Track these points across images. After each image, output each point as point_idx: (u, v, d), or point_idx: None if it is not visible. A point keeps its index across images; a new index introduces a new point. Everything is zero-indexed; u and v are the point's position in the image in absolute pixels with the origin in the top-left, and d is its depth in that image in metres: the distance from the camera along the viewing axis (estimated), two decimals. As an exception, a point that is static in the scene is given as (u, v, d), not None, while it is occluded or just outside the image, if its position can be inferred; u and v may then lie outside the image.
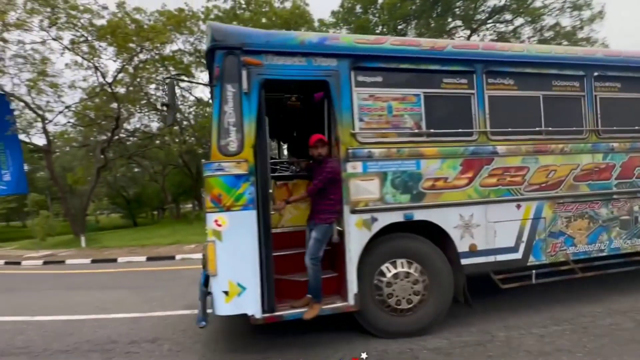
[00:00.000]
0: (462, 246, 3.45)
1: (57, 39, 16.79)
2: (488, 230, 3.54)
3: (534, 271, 3.73)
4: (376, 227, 3.20)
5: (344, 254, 3.16)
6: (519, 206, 3.63)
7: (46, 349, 3.53)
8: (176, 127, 17.43)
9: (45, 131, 15.02)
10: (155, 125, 19.48)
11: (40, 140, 16.74)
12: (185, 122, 19.82)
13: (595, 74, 3.93)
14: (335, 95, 3.14)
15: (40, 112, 15.03)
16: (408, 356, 3.03)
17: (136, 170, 26.34)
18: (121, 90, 16.42)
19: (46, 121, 14.96)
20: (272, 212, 3.15)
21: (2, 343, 3.74)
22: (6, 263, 10.18)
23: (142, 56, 18.18)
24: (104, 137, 16.55)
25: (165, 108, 3.26)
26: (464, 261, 3.46)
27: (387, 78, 3.33)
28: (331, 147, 3.34)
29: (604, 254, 3.97)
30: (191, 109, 20.82)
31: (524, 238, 3.64)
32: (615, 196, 3.97)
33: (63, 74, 19.28)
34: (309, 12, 19.71)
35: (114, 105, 15.85)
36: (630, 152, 4.01)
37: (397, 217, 3.27)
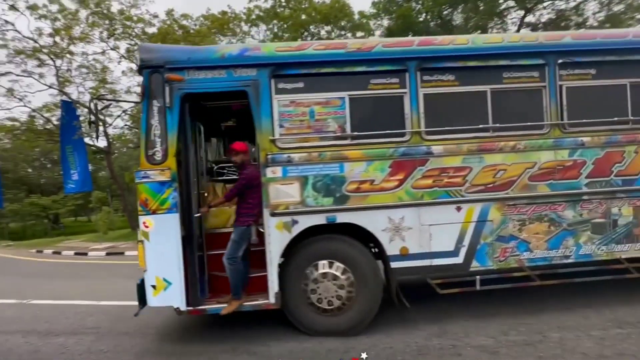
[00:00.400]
0: (391, 249, 3.41)
1: (114, 48, 18.53)
2: (422, 233, 3.43)
3: (477, 277, 3.52)
4: (297, 229, 3.32)
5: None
6: (459, 208, 3.46)
7: (111, 329, 4.02)
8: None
9: (105, 134, 17.09)
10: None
11: (101, 143, 19.02)
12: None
13: (560, 61, 3.53)
14: (254, 103, 3.30)
15: (101, 117, 17.16)
16: (450, 352, 3.01)
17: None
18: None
19: (107, 125, 16.99)
20: (197, 215, 3.43)
21: (75, 323, 4.33)
22: (75, 254, 12.07)
23: None
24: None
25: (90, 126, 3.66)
26: (394, 264, 3.42)
27: (310, 83, 3.39)
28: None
29: (570, 260, 3.59)
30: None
31: (465, 242, 3.46)
32: (585, 197, 3.55)
33: (120, 81, 21.24)
34: (349, 4, 19.37)
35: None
36: (607, 147, 3.55)
37: (319, 219, 3.35)
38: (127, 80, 21.17)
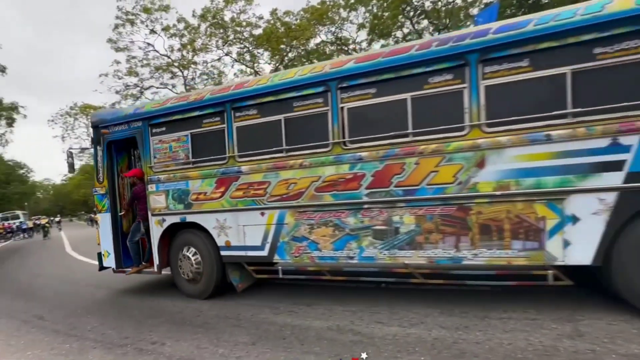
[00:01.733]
0: (220, 242, 4.73)
1: (228, 54, 22.05)
2: (239, 231, 4.62)
3: (280, 267, 4.46)
4: (165, 224, 5.05)
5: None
6: (262, 214, 4.46)
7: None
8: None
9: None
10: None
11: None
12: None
13: (340, 86, 4.01)
14: (140, 144, 5.16)
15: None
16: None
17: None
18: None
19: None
20: (120, 214, 5.57)
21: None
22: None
23: (290, 55, 21.64)
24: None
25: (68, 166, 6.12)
26: (222, 252, 4.74)
27: (169, 127, 5.00)
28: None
29: (355, 261, 4.08)
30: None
31: (269, 240, 4.45)
32: (366, 206, 3.96)
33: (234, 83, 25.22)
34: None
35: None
36: (386, 160, 3.85)
37: (177, 219, 4.98)
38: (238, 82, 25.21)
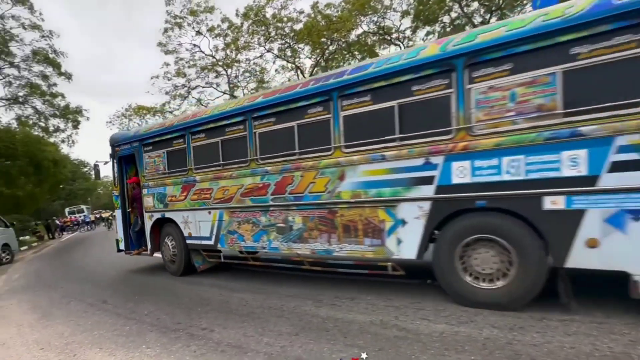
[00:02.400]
0: (185, 233, 6.28)
1: (269, 50, 22.02)
2: (197, 225, 6.10)
3: (222, 254, 5.86)
4: (153, 219, 6.77)
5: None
6: (210, 212, 5.87)
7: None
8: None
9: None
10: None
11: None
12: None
13: (253, 115, 5.23)
14: (137, 159, 6.94)
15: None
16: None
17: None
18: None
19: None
20: (128, 210, 7.43)
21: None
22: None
23: (331, 48, 21.03)
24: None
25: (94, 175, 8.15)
26: (187, 241, 6.28)
27: (154, 146, 6.67)
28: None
29: (266, 250, 5.29)
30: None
31: (214, 232, 5.85)
32: (271, 208, 5.14)
33: (275, 79, 24.25)
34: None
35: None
36: (283, 173, 4.98)
37: (159, 215, 6.65)
38: (279, 77, 24.18)
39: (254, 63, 22.60)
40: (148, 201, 6.84)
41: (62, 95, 22.80)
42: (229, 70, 23.34)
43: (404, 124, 3.99)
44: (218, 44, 23.19)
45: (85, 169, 45.68)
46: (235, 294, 5.13)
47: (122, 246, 7.53)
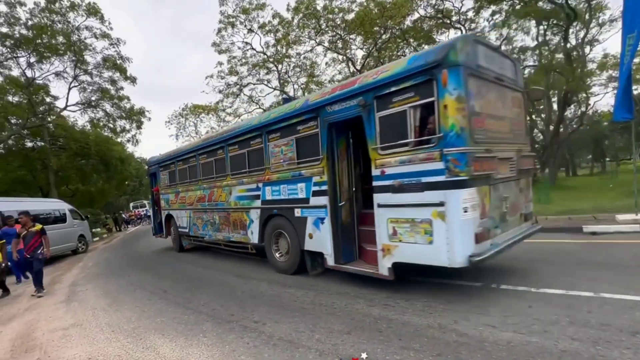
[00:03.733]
0: (177, 224, 9.92)
1: (320, 43, 21.52)
2: (182, 219, 9.66)
3: (192, 239, 9.31)
4: (164, 214, 10.63)
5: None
6: (186, 211, 9.35)
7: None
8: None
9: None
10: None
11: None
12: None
13: (199, 153, 8.48)
14: (152, 179, 10.97)
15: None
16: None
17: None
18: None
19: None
20: (156, 208, 11.44)
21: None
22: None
23: (384, 37, 20.06)
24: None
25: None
26: (179, 229, 9.91)
27: (163, 168, 10.46)
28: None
29: (208, 238, 8.50)
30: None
31: (189, 224, 9.30)
32: (207, 210, 8.33)
33: (325, 72, 24.22)
34: None
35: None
36: (210, 188, 8.13)
37: (167, 212, 10.45)
38: (330, 71, 23.39)
39: (304, 57, 22.27)
40: (162, 203, 10.72)
41: (128, 98, 24.09)
42: (280, 66, 23.31)
43: (250, 163, 6.75)
44: (269, 41, 23.21)
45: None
46: (286, 289, 5.15)
47: (152, 232, 11.66)
